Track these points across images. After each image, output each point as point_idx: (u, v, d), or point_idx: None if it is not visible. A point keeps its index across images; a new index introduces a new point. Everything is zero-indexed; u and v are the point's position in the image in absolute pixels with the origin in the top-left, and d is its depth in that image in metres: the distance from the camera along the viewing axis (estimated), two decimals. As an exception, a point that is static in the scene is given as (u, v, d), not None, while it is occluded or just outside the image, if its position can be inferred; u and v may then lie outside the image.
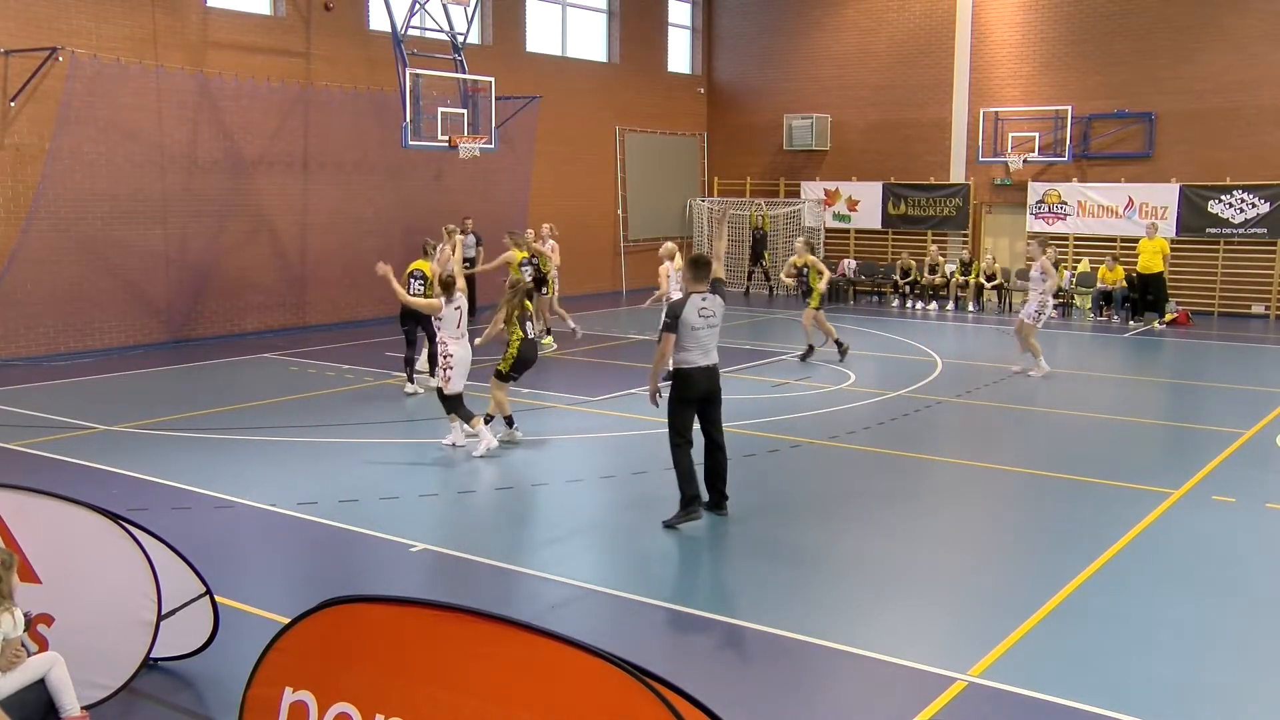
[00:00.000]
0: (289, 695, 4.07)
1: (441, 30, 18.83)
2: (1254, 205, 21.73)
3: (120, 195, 16.62)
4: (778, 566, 7.72)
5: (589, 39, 25.57)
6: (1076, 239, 23.57)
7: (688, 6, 28.05)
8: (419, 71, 17.72)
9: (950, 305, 23.48)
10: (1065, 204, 23.65)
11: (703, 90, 28.29)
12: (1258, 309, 21.97)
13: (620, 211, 26.07)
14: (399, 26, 17.84)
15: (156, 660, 5.69)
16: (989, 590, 7.38)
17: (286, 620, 4.20)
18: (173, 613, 5.49)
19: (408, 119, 17.35)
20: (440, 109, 17.95)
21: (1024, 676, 5.85)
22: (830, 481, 10.11)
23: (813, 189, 26.70)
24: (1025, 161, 23.77)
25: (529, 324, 11.22)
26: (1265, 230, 21.62)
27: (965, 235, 24.99)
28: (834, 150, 26.50)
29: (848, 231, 26.42)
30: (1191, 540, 8.33)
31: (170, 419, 11.97)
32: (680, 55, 28.06)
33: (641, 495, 9.44)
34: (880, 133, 25.83)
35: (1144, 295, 21.19)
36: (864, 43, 25.87)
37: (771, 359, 16.42)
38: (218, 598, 5.79)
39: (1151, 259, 20.79)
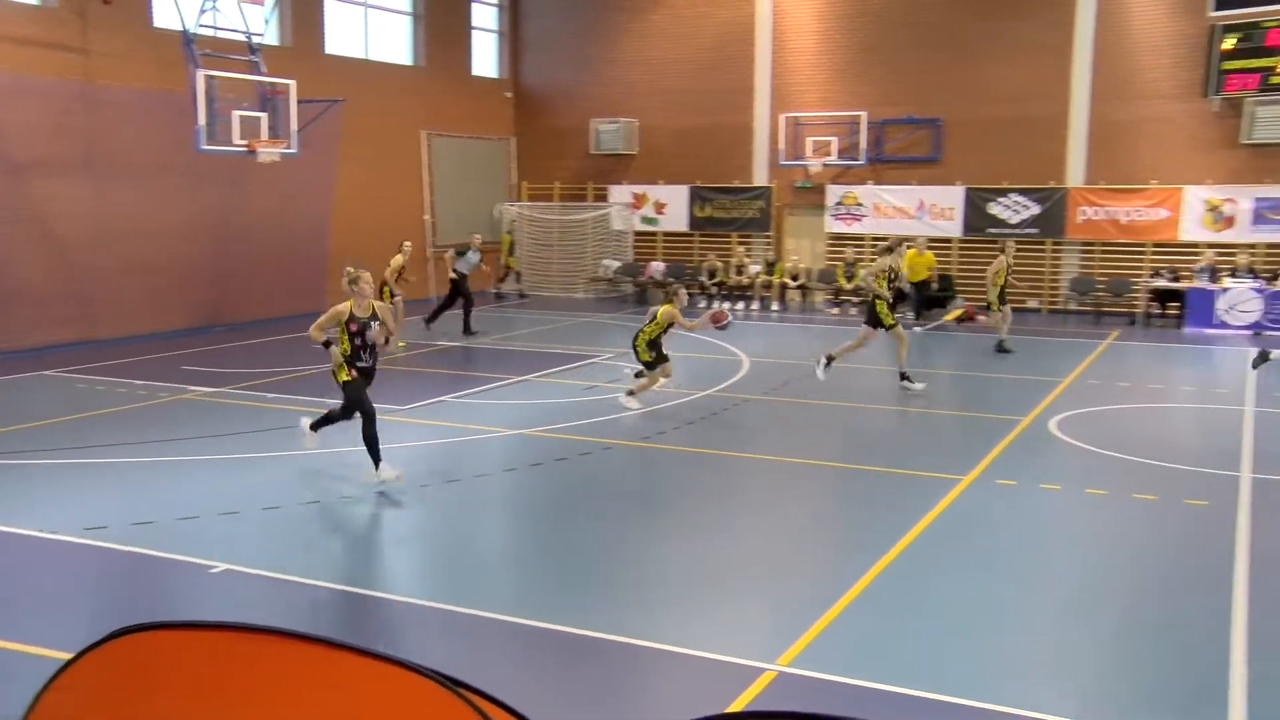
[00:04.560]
0: (75, 735, 3.83)
1: (235, 30, 18.11)
2: (1027, 207, 23.29)
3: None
4: (594, 569, 7.79)
5: (392, 42, 25.10)
6: (873, 239, 24.64)
7: (493, 10, 27.90)
8: (212, 73, 16.98)
9: (755, 305, 24.18)
10: (862, 205, 24.72)
11: (510, 94, 28.20)
12: (1033, 304, 23.53)
13: (429, 217, 25.70)
14: (188, 25, 17.05)
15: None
16: (795, 580, 7.64)
17: (69, 657, 3.96)
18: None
19: (201, 122, 16.61)
20: (236, 112, 17.25)
21: (833, 662, 6.08)
22: (642, 481, 10.25)
23: (621, 192, 27.01)
24: (824, 165, 24.72)
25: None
26: (1038, 230, 23.18)
27: (769, 236, 25.79)
28: (642, 154, 26.88)
29: (655, 234, 26.86)
30: (981, 522, 8.85)
31: (-61, 444, 11.09)
32: (486, 59, 27.88)
33: (456, 504, 9.35)
34: (687, 137, 26.35)
35: (906, 298, 22.11)
36: (671, 49, 26.34)
37: (581, 363, 16.52)
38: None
39: (918, 271, 21.66)
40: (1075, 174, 23.11)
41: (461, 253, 20.03)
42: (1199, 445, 11.78)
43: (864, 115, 24.37)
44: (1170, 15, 22.08)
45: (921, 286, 22.22)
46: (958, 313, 22.21)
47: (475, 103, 27.01)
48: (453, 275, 19.65)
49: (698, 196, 26.27)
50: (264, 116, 17.65)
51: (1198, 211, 21.97)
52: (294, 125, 18.28)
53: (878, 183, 24.69)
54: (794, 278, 24.41)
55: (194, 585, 7.40)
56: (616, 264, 26.35)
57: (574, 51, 27.51)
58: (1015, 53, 23.18)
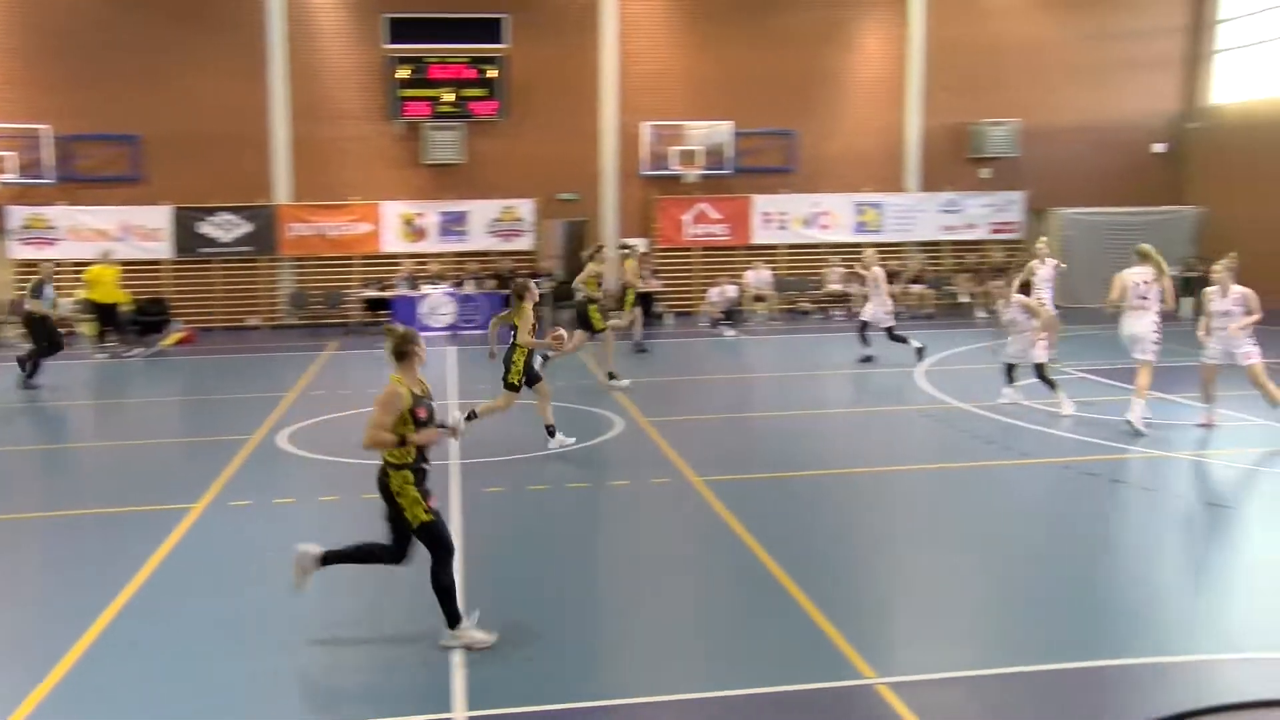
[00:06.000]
0: None
1: None
2: (239, 225, 23.39)
3: None
4: None
5: None
6: (75, 264, 22.75)
7: None
8: None
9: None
10: (55, 228, 22.72)
11: None
12: (253, 321, 23.73)
13: None
14: None
15: None
16: (13, 648, 6.87)
17: None
18: None
19: None
20: None
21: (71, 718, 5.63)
22: None
23: None
24: (4, 184, 22.25)
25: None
26: (253, 248, 23.42)
27: (-55, 266, 22.53)
28: None
29: None
30: (217, 547, 8.75)
31: None
32: None
33: None
34: None
35: (108, 322, 20.29)
36: None
37: None
38: None
39: (108, 288, 20.00)
40: (281, 191, 23.73)
41: (37, 290, 16.18)
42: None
43: (50, 129, 22.40)
44: (353, 44, 23.69)
45: (111, 310, 20.41)
46: (178, 336, 21.54)
47: None
48: (33, 314, 16.13)
49: None
50: None
51: (395, 225, 23.94)
52: None
53: (73, 203, 22.86)
54: (-18, 310, 21.66)
55: None
56: None
57: None
58: (211, 70, 23.05)
